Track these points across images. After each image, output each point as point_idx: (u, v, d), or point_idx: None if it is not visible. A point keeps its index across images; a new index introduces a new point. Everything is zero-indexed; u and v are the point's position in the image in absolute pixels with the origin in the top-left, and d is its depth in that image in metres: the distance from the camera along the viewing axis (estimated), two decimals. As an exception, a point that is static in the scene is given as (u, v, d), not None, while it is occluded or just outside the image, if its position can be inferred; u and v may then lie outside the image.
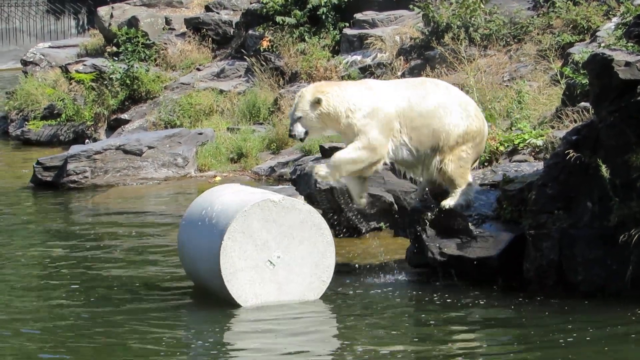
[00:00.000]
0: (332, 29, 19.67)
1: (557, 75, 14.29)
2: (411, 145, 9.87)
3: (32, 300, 9.77)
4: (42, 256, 11.84)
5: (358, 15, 19.31)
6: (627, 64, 8.81)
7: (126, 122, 20.40)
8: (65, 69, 22.83)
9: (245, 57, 20.27)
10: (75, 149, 17.49)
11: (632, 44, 9.60)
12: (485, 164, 12.04)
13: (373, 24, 19.06)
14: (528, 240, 9.52)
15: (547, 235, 9.35)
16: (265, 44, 19.96)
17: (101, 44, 23.77)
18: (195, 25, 22.13)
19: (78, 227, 13.61)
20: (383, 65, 17.85)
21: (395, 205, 12.00)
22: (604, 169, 8.93)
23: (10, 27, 37.43)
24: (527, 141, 12.06)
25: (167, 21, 22.85)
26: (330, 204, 11.92)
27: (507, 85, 15.04)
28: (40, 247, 12.42)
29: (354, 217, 11.62)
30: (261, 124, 18.41)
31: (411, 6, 18.00)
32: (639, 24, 9.49)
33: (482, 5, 16.89)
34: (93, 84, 21.33)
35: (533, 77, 15.14)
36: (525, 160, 11.59)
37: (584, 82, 12.57)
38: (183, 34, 22.27)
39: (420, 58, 17.32)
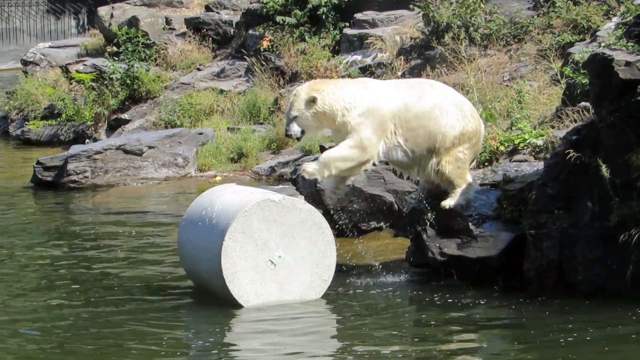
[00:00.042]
0: (332, 28, 19.67)
1: (557, 75, 14.28)
2: (406, 146, 9.81)
3: (31, 300, 9.75)
4: (42, 256, 11.82)
5: (358, 15, 19.30)
6: (627, 63, 8.81)
7: (126, 122, 20.39)
8: (65, 69, 22.83)
9: (245, 57, 20.26)
10: (75, 148, 17.48)
11: (632, 44, 9.59)
12: (486, 163, 12.03)
13: (373, 24, 19.05)
14: (528, 240, 9.51)
15: (548, 235, 9.34)
16: (265, 43, 19.95)
17: (101, 43, 23.77)
18: (195, 25, 22.13)
19: (78, 227, 13.60)
20: (383, 65, 17.83)
21: (396, 205, 11.99)
22: (604, 169, 8.92)
23: (11, 27, 37.45)
24: (528, 141, 12.04)
25: (168, 21, 22.84)
26: (334, 204, 11.88)
27: (507, 85, 15.03)
28: (40, 247, 12.40)
29: (352, 217, 11.61)
30: (261, 123, 18.40)
31: (411, 6, 17.99)
32: (639, 23, 9.48)
33: (482, 5, 16.87)
34: (93, 84, 21.32)
35: (533, 77, 15.12)
36: (526, 160, 11.58)
37: (584, 81, 12.56)
38: (183, 34, 22.26)
39: (421, 58, 17.30)
